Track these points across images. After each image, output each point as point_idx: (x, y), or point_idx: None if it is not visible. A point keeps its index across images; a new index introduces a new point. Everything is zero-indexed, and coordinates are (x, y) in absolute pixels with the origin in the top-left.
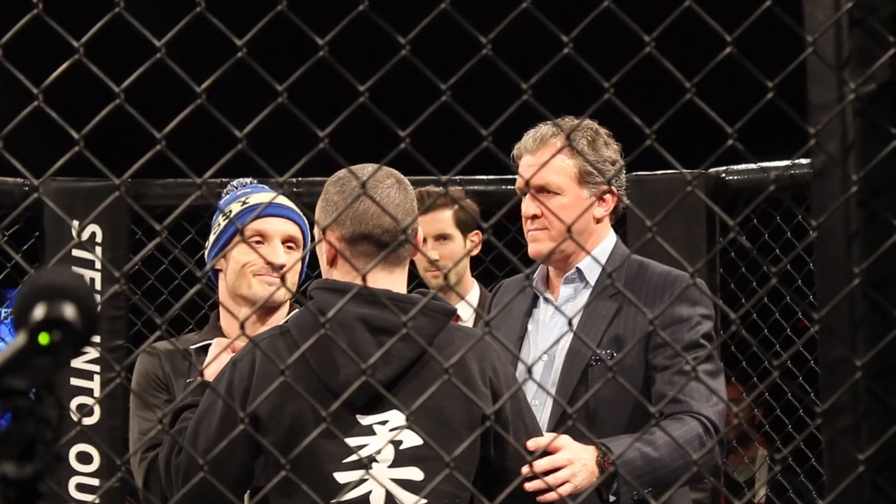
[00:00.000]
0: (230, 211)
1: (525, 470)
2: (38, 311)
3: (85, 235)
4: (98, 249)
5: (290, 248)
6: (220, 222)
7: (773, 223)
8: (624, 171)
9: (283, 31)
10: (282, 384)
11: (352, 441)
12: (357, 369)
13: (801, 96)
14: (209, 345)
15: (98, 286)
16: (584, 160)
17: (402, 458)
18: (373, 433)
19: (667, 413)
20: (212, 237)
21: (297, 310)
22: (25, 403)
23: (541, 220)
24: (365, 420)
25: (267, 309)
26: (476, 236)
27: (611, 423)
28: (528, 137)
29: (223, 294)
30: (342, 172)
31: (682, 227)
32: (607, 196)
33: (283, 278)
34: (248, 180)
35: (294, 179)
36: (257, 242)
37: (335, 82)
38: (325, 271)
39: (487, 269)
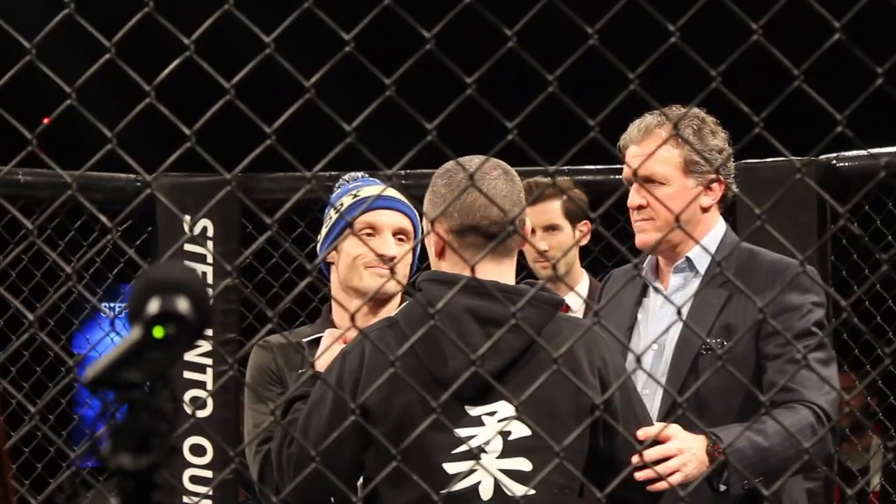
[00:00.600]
0: (341, 204)
1: (635, 459)
2: (153, 306)
3: (196, 230)
4: (209, 244)
5: (400, 240)
6: (331, 215)
7: (885, 210)
8: (732, 160)
9: (389, 24)
10: (391, 376)
11: (461, 432)
12: (465, 360)
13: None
14: (321, 338)
15: (210, 280)
16: (690, 149)
17: (511, 448)
18: (481, 424)
19: (778, 402)
20: (323, 230)
21: (407, 302)
22: (141, 396)
23: (647, 211)
24: (473, 411)
25: (378, 301)
26: (585, 226)
27: (721, 412)
28: (634, 128)
29: (335, 287)
30: (449, 164)
31: (792, 214)
32: (714, 185)
33: (392, 270)
34: (359, 174)
35: (402, 172)
36: (368, 235)
37: (442, 75)
38: (434, 263)
39: (596, 259)
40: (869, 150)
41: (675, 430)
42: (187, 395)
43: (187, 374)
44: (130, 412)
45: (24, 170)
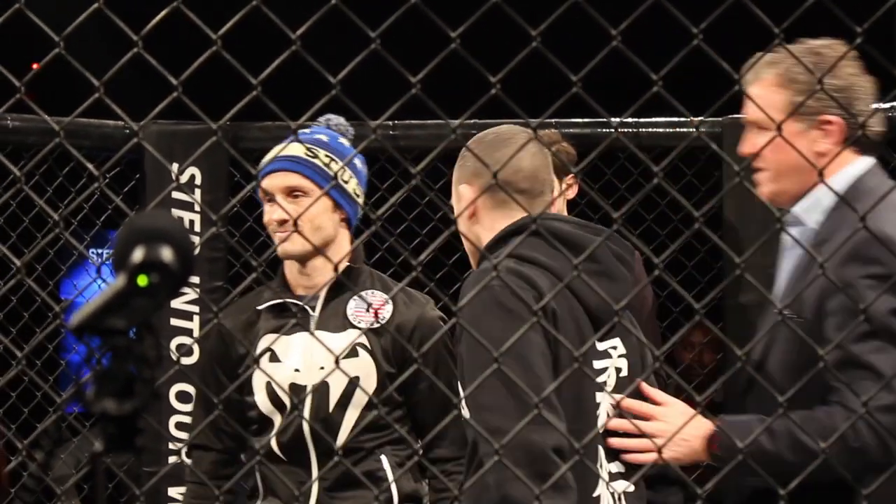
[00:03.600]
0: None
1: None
2: (137, 254)
3: (184, 178)
4: (197, 192)
5: (295, 196)
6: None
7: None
8: (864, 95)
9: None
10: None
11: (597, 364)
12: (611, 289)
13: (891, 41)
14: (279, 304)
15: (197, 228)
16: (797, 90)
17: (619, 385)
18: (609, 356)
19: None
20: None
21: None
22: (125, 342)
23: (759, 160)
24: (601, 345)
25: (302, 258)
26: (570, 179)
27: (776, 381)
28: (746, 68)
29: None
30: (480, 135)
31: None
32: (827, 126)
33: (296, 226)
34: (337, 119)
35: (390, 123)
36: (269, 200)
37: (428, 29)
38: (467, 227)
39: (582, 212)
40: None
41: (674, 403)
42: (174, 343)
43: (174, 322)
44: (115, 358)
45: (13, 115)
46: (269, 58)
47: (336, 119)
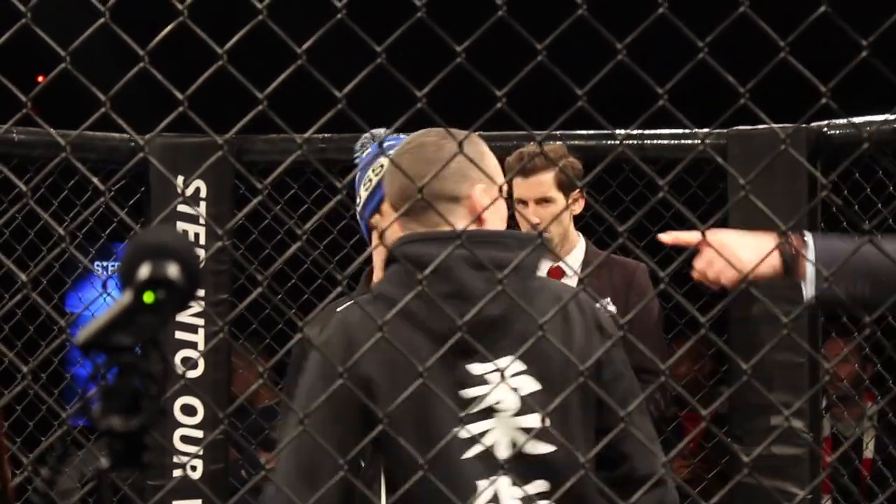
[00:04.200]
0: (381, 166)
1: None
2: (143, 271)
3: (190, 191)
4: (202, 205)
5: None
6: (370, 178)
7: (876, 177)
8: None
9: None
10: (385, 351)
11: (471, 392)
12: (466, 310)
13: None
14: None
15: (203, 241)
16: None
17: (530, 404)
18: (486, 382)
19: None
20: (363, 193)
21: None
22: (131, 359)
23: None
24: (477, 369)
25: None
26: (577, 193)
27: None
28: None
29: (379, 251)
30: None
31: (784, 182)
32: None
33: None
34: (381, 131)
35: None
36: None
37: (433, 43)
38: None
39: (587, 224)
40: (849, 119)
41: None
42: (179, 356)
43: (179, 335)
44: (120, 375)
45: (19, 128)
46: (275, 70)
47: (379, 130)
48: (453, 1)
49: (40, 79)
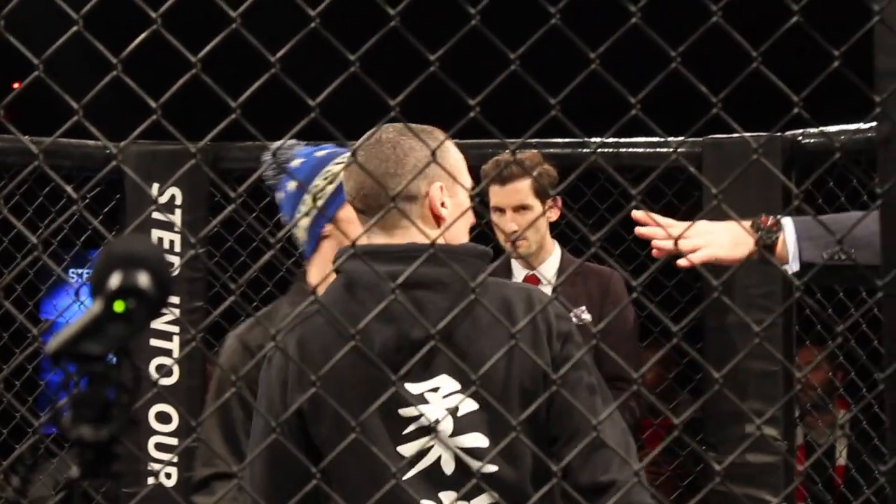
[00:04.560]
0: (332, 174)
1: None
2: (114, 280)
3: (165, 198)
4: (177, 212)
5: None
6: (321, 186)
7: (850, 186)
8: None
9: (355, 2)
10: (317, 371)
11: (404, 412)
12: (393, 331)
13: (868, 64)
14: None
15: (178, 248)
16: None
17: (465, 425)
18: (425, 401)
19: None
20: (310, 201)
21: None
22: (101, 368)
23: None
24: (415, 388)
25: None
26: (552, 202)
27: None
28: None
29: (325, 259)
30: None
31: (759, 190)
32: None
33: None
34: (291, 144)
35: None
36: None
37: (407, 52)
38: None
39: (563, 231)
40: (820, 129)
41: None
42: (153, 363)
43: (154, 342)
44: (91, 384)
45: None
46: (252, 75)
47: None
48: (427, 10)
49: (16, 85)
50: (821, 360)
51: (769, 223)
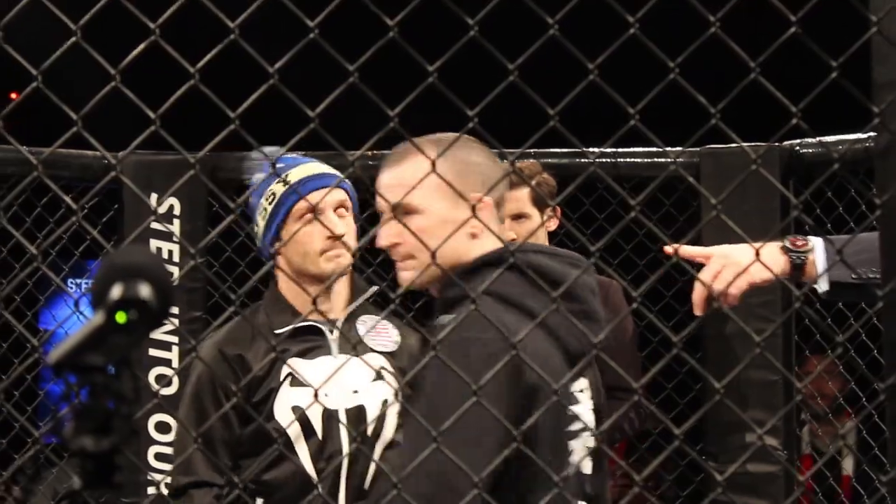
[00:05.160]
0: (272, 193)
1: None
2: (115, 291)
3: (164, 208)
4: (176, 222)
5: (341, 214)
6: (265, 206)
7: (848, 196)
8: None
9: (353, 12)
10: (543, 359)
11: (573, 409)
12: (591, 330)
13: (866, 75)
14: (302, 327)
15: (177, 258)
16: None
17: (590, 424)
18: (578, 402)
19: None
20: (260, 221)
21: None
22: (102, 379)
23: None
24: (574, 388)
25: (340, 277)
26: (551, 211)
27: None
28: None
29: (286, 273)
30: (443, 137)
31: (757, 200)
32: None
33: (346, 246)
34: (270, 150)
35: (369, 153)
36: (311, 216)
37: (405, 62)
38: (463, 241)
39: (561, 241)
40: (818, 139)
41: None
42: (153, 373)
43: (153, 352)
44: (92, 395)
45: None
46: (251, 85)
47: (268, 149)
48: (426, 21)
49: (13, 96)
50: (833, 371)
51: (799, 244)
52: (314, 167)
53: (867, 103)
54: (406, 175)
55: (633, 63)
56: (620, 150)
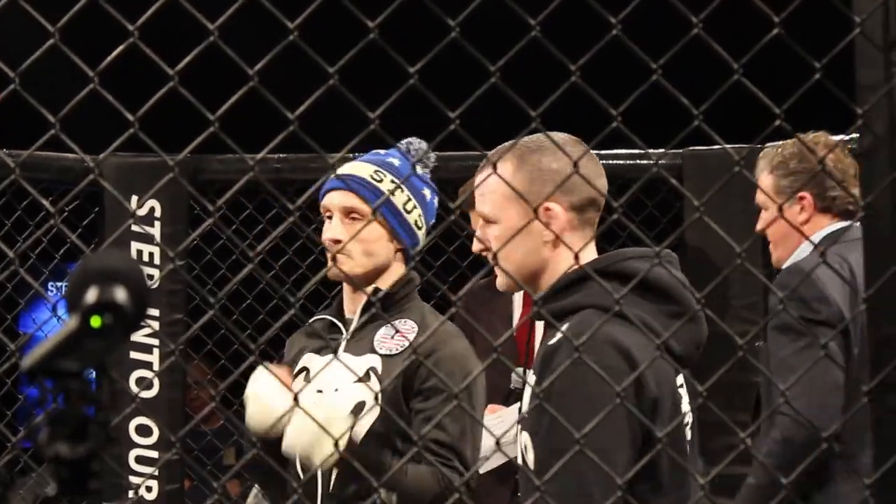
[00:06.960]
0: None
1: None
2: (90, 295)
3: (144, 210)
4: (157, 224)
5: (353, 218)
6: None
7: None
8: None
9: (334, 14)
10: (657, 370)
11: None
12: (692, 329)
13: (850, 77)
14: (328, 323)
15: (157, 261)
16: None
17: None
18: (682, 397)
19: None
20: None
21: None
22: (78, 385)
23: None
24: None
25: (349, 282)
26: None
27: None
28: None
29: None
30: (536, 140)
31: (740, 202)
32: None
33: (335, 254)
34: (418, 144)
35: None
36: (329, 217)
37: (386, 64)
38: (540, 249)
39: None
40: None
41: None
42: (133, 376)
43: (134, 355)
44: (67, 401)
45: None
46: (231, 87)
47: (417, 144)
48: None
49: None
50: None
51: None
52: (348, 167)
53: (851, 104)
54: (487, 183)
55: (615, 64)
56: (603, 151)
